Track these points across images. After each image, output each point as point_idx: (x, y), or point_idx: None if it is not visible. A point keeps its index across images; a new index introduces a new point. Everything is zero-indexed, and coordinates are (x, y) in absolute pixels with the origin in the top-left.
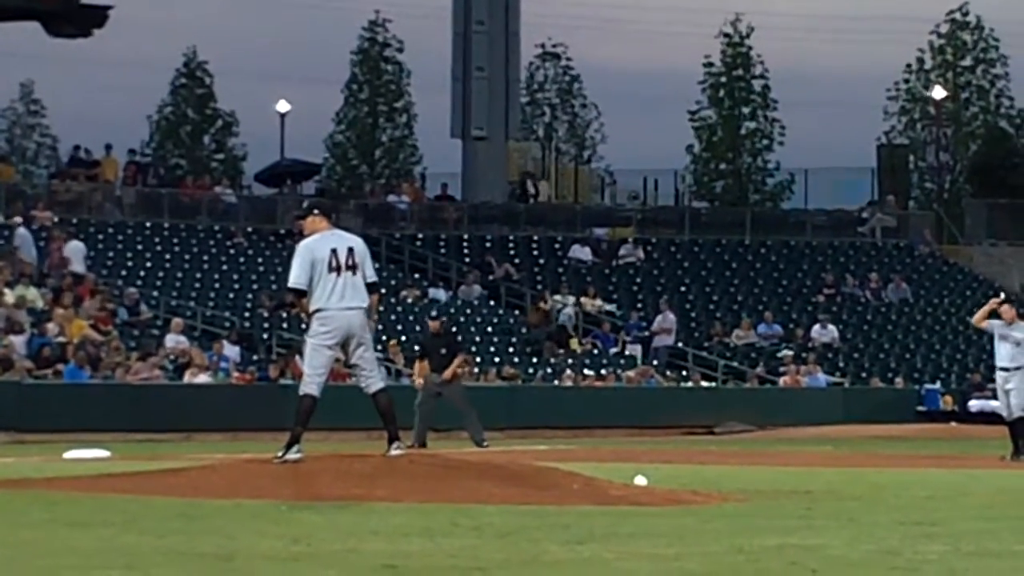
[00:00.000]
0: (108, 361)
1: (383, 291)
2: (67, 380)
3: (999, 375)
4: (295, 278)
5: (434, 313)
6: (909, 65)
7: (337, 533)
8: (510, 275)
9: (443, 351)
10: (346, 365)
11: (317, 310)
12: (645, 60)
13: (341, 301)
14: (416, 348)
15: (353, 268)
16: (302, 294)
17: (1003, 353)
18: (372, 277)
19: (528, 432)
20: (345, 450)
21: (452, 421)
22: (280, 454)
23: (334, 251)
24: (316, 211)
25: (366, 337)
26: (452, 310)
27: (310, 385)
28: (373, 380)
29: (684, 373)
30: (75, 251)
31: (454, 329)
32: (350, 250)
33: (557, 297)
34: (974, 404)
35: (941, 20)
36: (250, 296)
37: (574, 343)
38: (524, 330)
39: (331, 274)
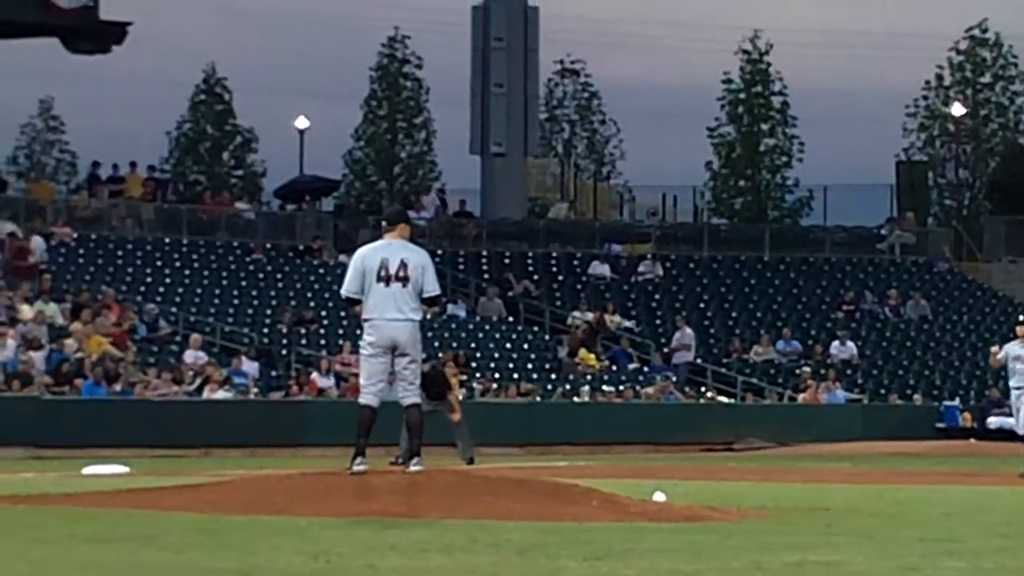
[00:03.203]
0: (126, 377)
1: None
2: (86, 396)
3: (1014, 392)
4: (345, 286)
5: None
6: (928, 82)
7: (356, 549)
8: (529, 291)
9: (431, 387)
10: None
11: (366, 320)
12: (664, 77)
13: (386, 312)
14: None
15: (404, 280)
16: (355, 301)
17: (1018, 370)
18: (432, 291)
19: (547, 448)
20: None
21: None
22: (348, 467)
23: (384, 262)
24: (384, 223)
25: (412, 350)
26: (471, 326)
27: (366, 395)
28: (409, 394)
29: (703, 389)
30: (37, 248)
31: (444, 366)
32: (402, 262)
33: (576, 314)
34: (993, 421)
35: (960, 37)
36: (269, 312)
37: (592, 359)
38: (542, 347)
39: (379, 284)
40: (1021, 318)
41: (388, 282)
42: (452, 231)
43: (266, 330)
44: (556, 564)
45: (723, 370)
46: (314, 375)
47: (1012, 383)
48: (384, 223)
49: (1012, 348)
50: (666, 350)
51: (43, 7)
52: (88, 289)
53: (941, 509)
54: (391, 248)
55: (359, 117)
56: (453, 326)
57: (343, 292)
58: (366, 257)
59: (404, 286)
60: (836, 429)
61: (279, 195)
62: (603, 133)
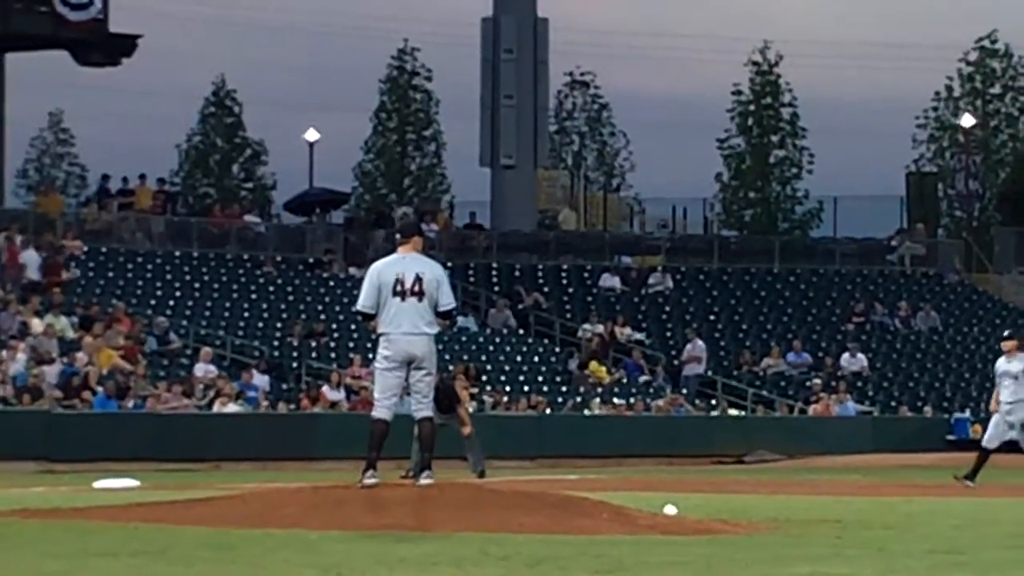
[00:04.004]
0: (136, 390)
1: None
2: (97, 409)
3: (1004, 407)
4: (361, 301)
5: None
6: (938, 93)
7: (366, 562)
8: (539, 304)
9: (441, 400)
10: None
11: (382, 334)
12: (674, 88)
13: (401, 327)
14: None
15: (419, 294)
16: (370, 316)
17: (1006, 385)
18: (447, 305)
19: (558, 461)
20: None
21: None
22: (359, 480)
23: (400, 276)
24: (398, 236)
25: (428, 363)
26: (481, 339)
27: (379, 409)
28: (422, 407)
29: (713, 402)
30: (30, 259)
31: (454, 379)
32: (417, 276)
33: (586, 326)
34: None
35: (970, 48)
36: (279, 325)
37: (603, 372)
38: (553, 359)
39: (395, 299)
40: (1006, 333)
41: (404, 296)
42: (462, 243)
43: (276, 343)
44: None
45: (734, 382)
46: (324, 388)
47: (1003, 397)
48: (398, 236)
49: (1001, 364)
50: (676, 362)
51: (53, 20)
52: (98, 302)
53: (951, 521)
54: (406, 262)
55: (369, 129)
56: (463, 339)
57: (358, 307)
58: (381, 272)
59: (420, 300)
60: (846, 441)
61: (289, 208)
62: (613, 145)
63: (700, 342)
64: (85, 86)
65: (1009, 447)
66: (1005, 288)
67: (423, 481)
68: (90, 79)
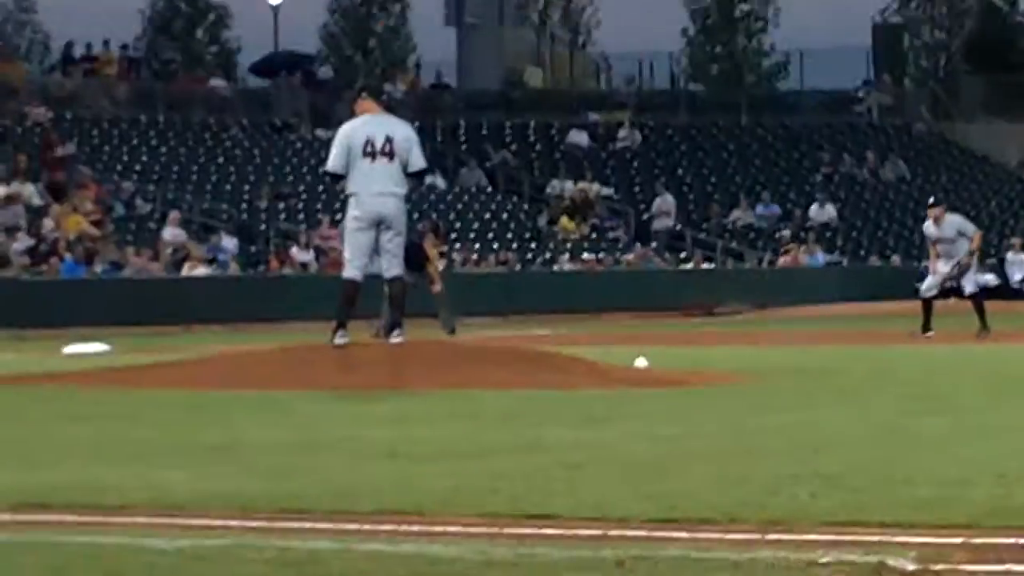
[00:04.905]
0: (104, 255)
1: None
2: (65, 276)
3: (941, 266)
4: (330, 162)
5: None
6: None
7: (338, 421)
8: (507, 162)
9: (411, 259)
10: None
11: (351, 194)
12: None
13: (371, 187)
14: None
15: (389, 155)
16: (338, 177)
17: (940, 249)
18: (418, 165)
19: (528, 317)
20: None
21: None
22: (330, 340)
23: (370, 137)
24: (363, 93)
25: (398, 224)
26: (450, 197)
27: (351, 269)
28: (392, 266)
29: (683, 255)
30: None
31: (422, 238)
32: (388, 138)
33: (555, 182)
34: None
35: None
36: (247, 188)
37: (571, 226)
38: (522, 216)
39: (365, 159)
40: (931, 200)
41: (374, 157)
42: (429, 103)
43: (245, 206)
44: (538, 432)
45: (703, 235)
46: (293, 249)
47: (941, 260)
48: (362, 93)
49: (931, 231)
50: (645, 217)
51: None
52: (64, 168)
53: (922, 368)
54: (376, 123)
55: None
56: (432, 197)
57: (327, 168)
58: (351, 134)
59: (390, 161)
60: (816, 292)
61: (254, 71)
62: (578, 1)
63: (669, 196)
64: None
65: (983, 293)
66: (972, 136)
67: (394, 339)
68: None
